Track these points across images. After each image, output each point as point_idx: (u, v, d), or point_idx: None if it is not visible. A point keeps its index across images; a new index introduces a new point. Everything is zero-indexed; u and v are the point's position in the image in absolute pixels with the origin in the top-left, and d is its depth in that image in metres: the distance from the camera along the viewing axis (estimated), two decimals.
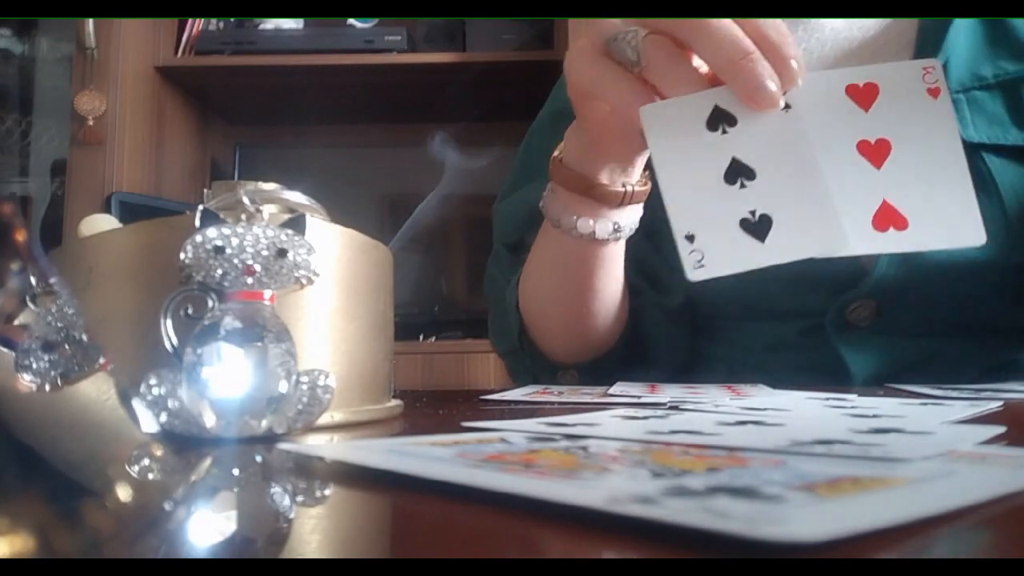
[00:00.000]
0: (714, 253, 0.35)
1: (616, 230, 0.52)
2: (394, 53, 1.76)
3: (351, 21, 1.81)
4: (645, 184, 0.51)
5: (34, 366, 0.17)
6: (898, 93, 0.37)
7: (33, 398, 0.17)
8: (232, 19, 1.84)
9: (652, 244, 0.62)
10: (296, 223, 0.33)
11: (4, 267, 0.17)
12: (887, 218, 0.36)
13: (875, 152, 0.37)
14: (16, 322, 0.17)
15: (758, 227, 0.36)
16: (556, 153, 0.52)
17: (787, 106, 0.37)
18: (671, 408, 0.38)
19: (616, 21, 0.41)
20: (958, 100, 0.58)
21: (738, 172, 0.36)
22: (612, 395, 0.46)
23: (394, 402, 0.40)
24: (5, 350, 0.17)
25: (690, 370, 0.68)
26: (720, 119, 0.37)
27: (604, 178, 0.49)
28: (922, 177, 0.37)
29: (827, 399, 0.41)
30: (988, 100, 0.58)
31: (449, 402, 0.48)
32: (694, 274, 0.35)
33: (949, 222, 0.36)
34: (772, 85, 0.36)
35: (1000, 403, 0.39)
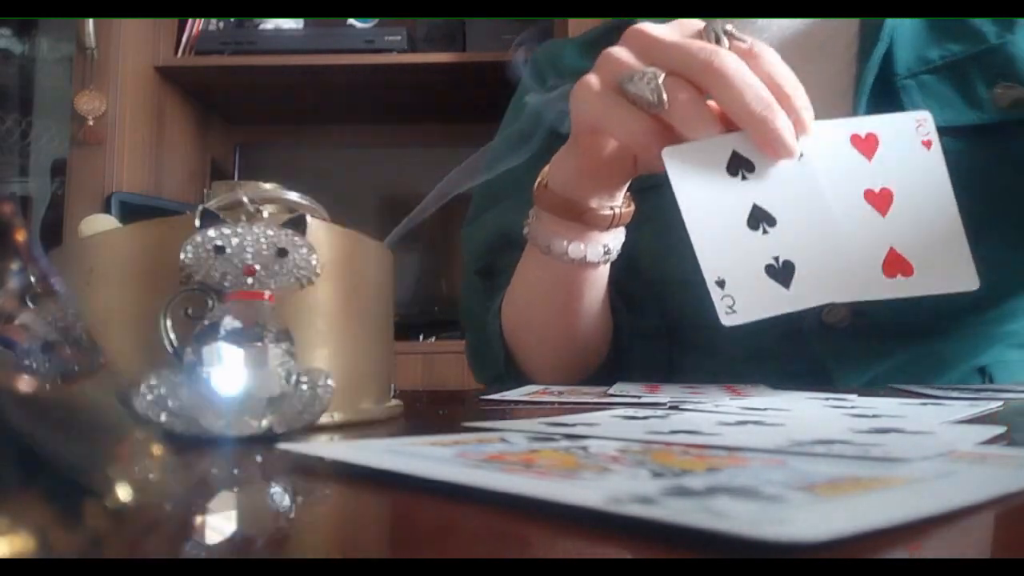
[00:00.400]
0: (744, 299, 0.37)
1: (606, 252, 0.53)
2: (394, 53, 1.76)
3: (351, 21, 1.81)
4: (629, 205, 0.51)
5: (34, 366, 0.17)
6: (895, 144, 0.39)
7: (33, 398, 0.17)
8: (232, 19, 1.84)
9: (628, 267, 0.62)
10: (296, 223, 0.33)
11: (4, 267, 0.17)
12: (895, 265, 0.38)
13: (880, 200, 0.39)
14: (16, 322, 0.17)
15: (782, 273, 0.37)
16: (540, 180, 0.52)
17: (800, 154, 0.38)
18: (671, 408, 0.38)
19: (631, 61, 0.41)
20: (908, 86, 0.58)
21: (760, 218, 0.38)
22: (612, 395, 0.46)
23: (394, 402, 0.40)
24: (5, 350, 0.17)
25: (671, 382, 0.68)
26: (739, 165, 0.38)
27: (593, 203, 0.50)
28: (922, 225, 0.39)
29: (827, 399, 0.41)
30: (937, 83, 0.58)
31: (449, 402, 0.48)
32: (727, 319, 0.37)
33: (947, 269, 0.38)
34: (790, 135, 0.37)
35: (1000, 403, 0.39)
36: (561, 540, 0.16)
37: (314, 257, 0.33)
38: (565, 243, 0.52)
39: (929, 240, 0.39)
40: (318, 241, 0.33)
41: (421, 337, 1.74)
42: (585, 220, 0.50)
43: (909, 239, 0.38)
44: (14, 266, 0.17)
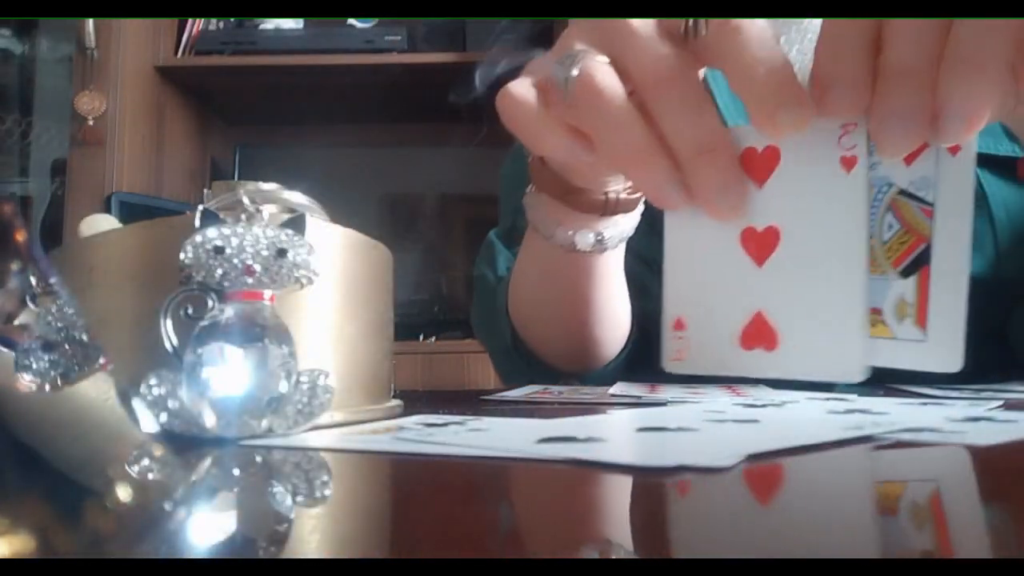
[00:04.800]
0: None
1: (599, 241, 0.45)
2: (394, 53, 1.76)
3: (351, 21, 1.81)
4: (635, 192, 0.43)
5: (34, 366, 0.17)
6: (804, 161, 0.29)
7: (33, 398, 0.17)
8: (232, 19, 1.84)
9: (659, 241, 0.59)
10: (296, 223, 0.33)
11: (4, 267, 0.17)
12: (756, 335, 0.30)
13: (760, 244, 0.30)
14: (16, 322, 0.17)
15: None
16: None
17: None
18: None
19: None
20: None
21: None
22: (613, 395, 0.46)
23: (394, 402, 0.40)
24: (5, 350, 0.17)
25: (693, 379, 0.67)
26: None
27: (584, 184, 0.42)
28: (809, 282, 0.29)
29: (828, 399, 0.41)
30: None
31: (449, 402, 0.48)
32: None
33: (826, 349, 0.29)
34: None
35: (1001, 403, 0.39)
36: (560, 540, 0.16)
37: (314, 257, 0.33)
38: (554, 225, 0.45)
39: (811, 307, 0.29)
40: (318, 241, 0.33)
41: (421, 337, 1.74)
42: (572, 203, 0.43)
43: (784, 301, 0.29)
44: (14, 266, 0.17)
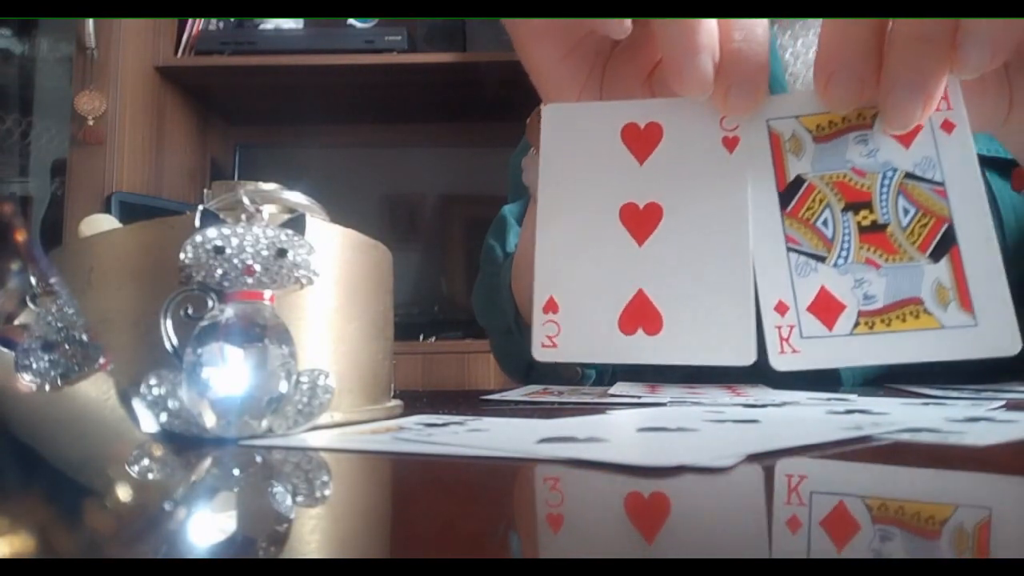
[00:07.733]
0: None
1: None
2: (394, 53, 1.76)
3: (351, 21, 1.81)
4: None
5: (34, 366, 0.17)
6: (686, 139, 0.29)
7: (33, 398, 0.17)
8: (232, 19, 1.84)
9: None
10: (296, 223, 0.33)
11: (4, 267, 0.17)
12: (639, 315, 0.28)
13: (641, 222, 0.29)
14: (16, 322, 0.17)
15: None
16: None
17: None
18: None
19: None
20: None
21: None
22: (612, 395, 0.46)
23: (394, 402, 0.40)
24: (5, 350, 0.17)
25: (695, 378, 0.67)
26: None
27: None
28: (693, 261, 0.28)
29: (828, 399, 0.41)
30: None
31: (449, 402, 0.48)
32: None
33: (714, 331, 0.28)
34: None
35: (1002, 403, 0.39)
36: (561, 540, 0.16)
37: (314, 257, 0.33)
38: None
39: (697, 287, 0.28)
40: (318, 241, 0.33)
41: (421, 337, 1.74)
42: None
43: (667, 281, 0.28)
44: (14, 266, 0.17)
